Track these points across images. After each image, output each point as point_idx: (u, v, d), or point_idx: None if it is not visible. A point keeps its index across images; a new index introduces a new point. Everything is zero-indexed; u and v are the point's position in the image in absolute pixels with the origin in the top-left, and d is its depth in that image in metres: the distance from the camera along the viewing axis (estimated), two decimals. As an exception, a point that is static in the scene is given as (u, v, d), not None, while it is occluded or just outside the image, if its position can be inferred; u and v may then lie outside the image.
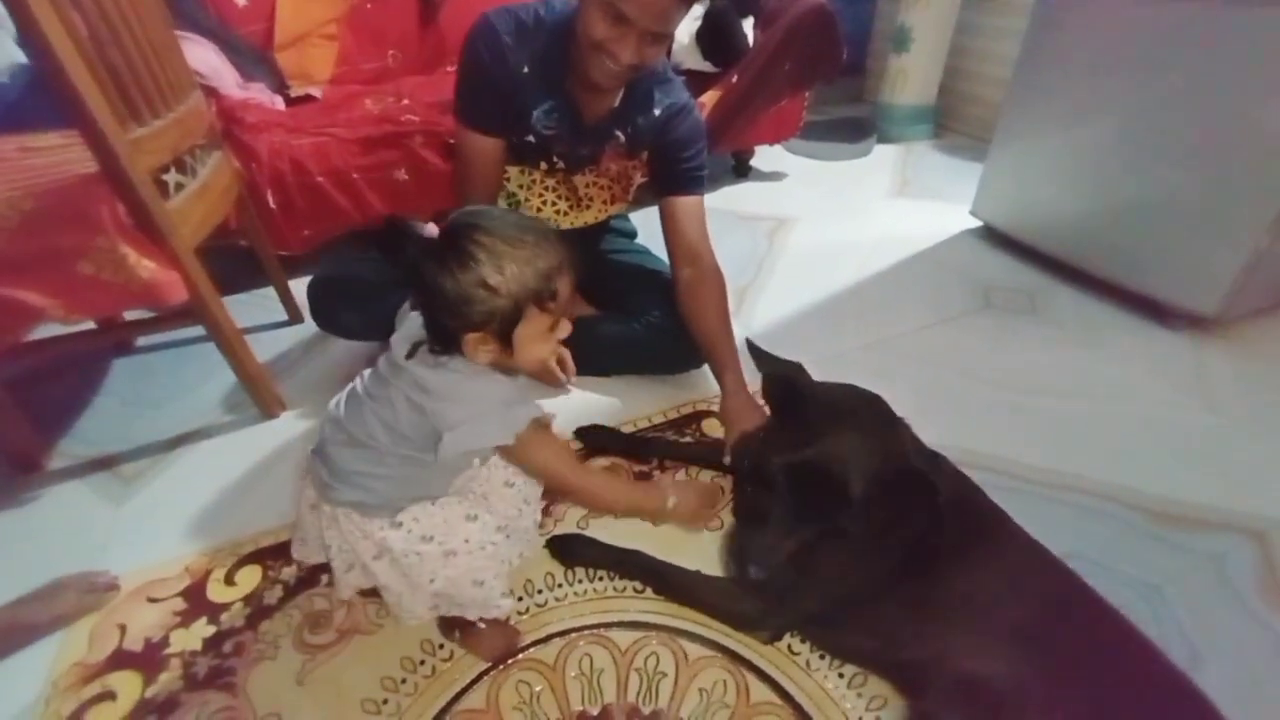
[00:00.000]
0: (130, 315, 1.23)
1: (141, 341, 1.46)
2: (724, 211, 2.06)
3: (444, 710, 0.78)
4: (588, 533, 0.98)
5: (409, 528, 0.74)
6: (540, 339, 0.70)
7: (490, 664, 0.82)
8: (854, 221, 2.03)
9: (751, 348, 0.93)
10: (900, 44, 2.58)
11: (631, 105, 1.11)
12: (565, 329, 0.73)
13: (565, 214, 1.25)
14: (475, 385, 0.70)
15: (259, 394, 1.20)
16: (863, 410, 0.83)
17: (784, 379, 0.84)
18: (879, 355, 1.40)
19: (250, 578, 0.94)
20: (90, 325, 1.19)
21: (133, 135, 0.92)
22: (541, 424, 0.76)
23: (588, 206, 1.26)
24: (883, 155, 2.57)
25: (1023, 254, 1.75)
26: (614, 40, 0.92)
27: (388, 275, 1.24)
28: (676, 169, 1.15)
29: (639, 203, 1.34)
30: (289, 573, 0.94)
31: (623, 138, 1.14)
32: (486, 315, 0.65)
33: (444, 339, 0.68)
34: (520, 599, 0.90)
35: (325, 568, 0.94)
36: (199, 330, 1.10)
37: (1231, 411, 1.22)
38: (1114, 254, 1.52)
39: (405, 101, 1.70)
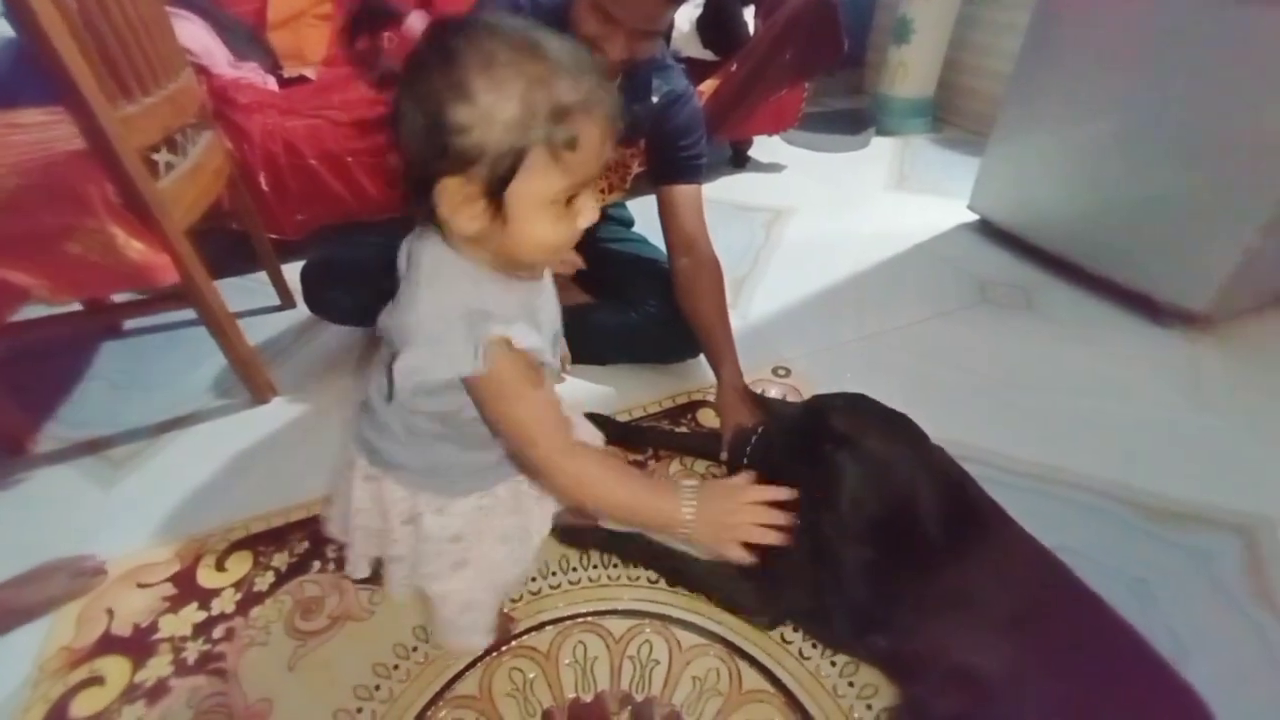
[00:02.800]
0: (119, 297, 1.21)
1: (131, 324, 1.44)
2: (721, 202, 2.05)
3: (436, 696, 0.78)
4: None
5: (445, 522, 0.64)
6: (547, 209, 0.49)
7: (484, 651, 0.82)
8: (851, 214, 2.02)
9: (761, 400, 0.96)
10: (901, 36, 2.56)
11: (629, 93, 1.09)
12: (590, 212, 0.52)
13: None
14: (440, 279, 0.51)
15: (251, 378, 1.18)
16: (899, 430, 0.82)
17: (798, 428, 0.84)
18: (875, 348, 1.40)
19: (241, 563, 0.93)
20: (77, 307, 1.17)
21: (122, 112, 0.90)
22: (514, 351, 0.53)
23: None
24: (881, 148, 2.56)
25: (1019, 249, 1.75)
26: (603, 38, 0.91)
27: (382, 260, 1.23)
28: (674, 157, 1.14)
29: (636, 191, 1.33)
30: (280, 559, 0.94)
31: (620, 125, 1.13)
32: (469, 149, 0.45)
33: (421, 196, 0.49)
34: (514, 587, 0.89)
35: (317, 554, 0.94)
36: (190, 314, 1.08)
37: (1222, 409, 1.23)
38: (1109, 251, 1.53)
39: (401, 84, 1.68)
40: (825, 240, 1.86)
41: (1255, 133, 1.23)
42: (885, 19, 2.85)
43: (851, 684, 0.79)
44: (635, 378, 1.28)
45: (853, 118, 2.68)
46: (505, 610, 0.85)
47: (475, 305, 0.52)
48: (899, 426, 0.82)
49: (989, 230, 1.85)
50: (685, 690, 0.78)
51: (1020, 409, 1.23)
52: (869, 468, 0.75)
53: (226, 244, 1.38)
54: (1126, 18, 1.39)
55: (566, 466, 0.58)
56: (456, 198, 0.47)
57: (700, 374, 1.26)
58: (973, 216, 1.88)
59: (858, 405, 0.85)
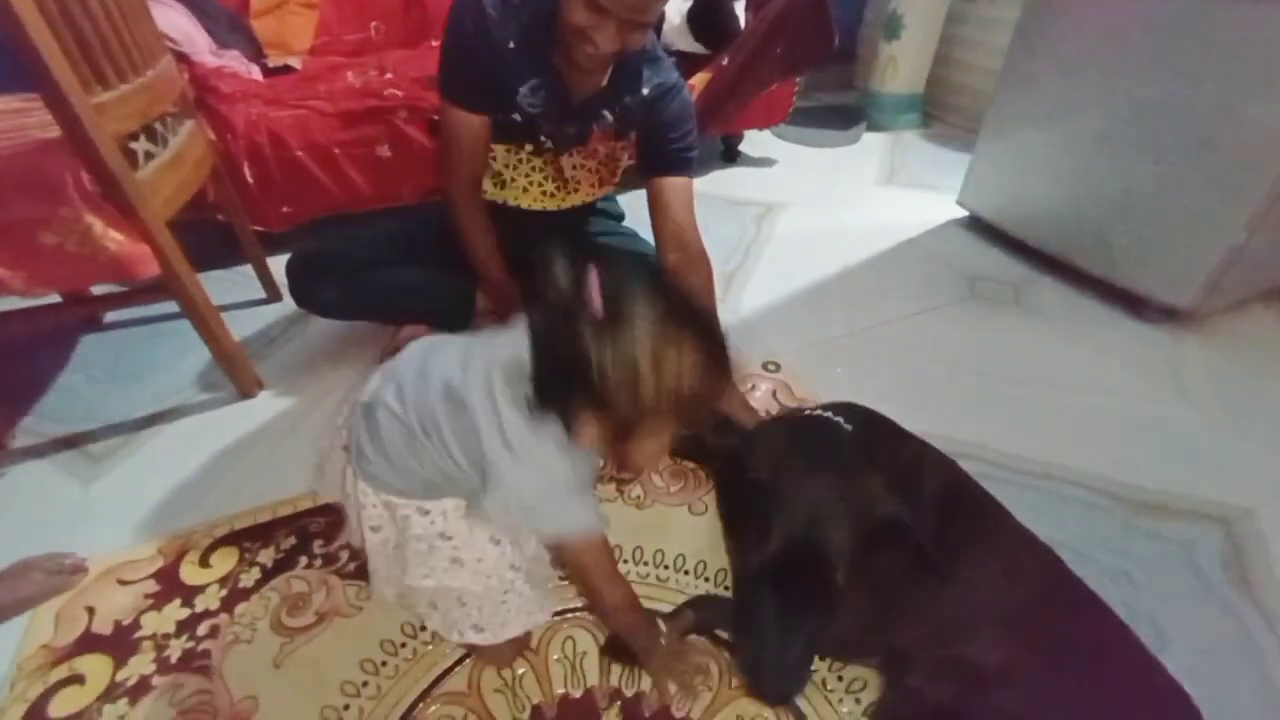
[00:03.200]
0: (98, 290, 1.19)
1: (111, 317, 1.41)
2: (712, 196, 2.04)
3: (425, 693, 0.77)
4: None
5: (434, 520, 0.66)
6: (656, 448, 0.60)
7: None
8: (842, 209, 2.03)
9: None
10: (891, 31, 2.56)
11: (620, 85, 1.08)
12: (669, 441, 0.62)
13: (552, 195, 1.22)
14: (548, 458, 0.59)
15: (235, 372, 1.17)
16: (822, 467, 0.78)
17: (729, 458, 0.82)
18: (864, 342, 1.40)
19: (226, 560, 0.92)
20: (55, 299, 1.15)
21: (98, 99, 0.87)
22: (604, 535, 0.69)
23: (575, 189, 1.24)
24: (871, 143, 2.57)
25: (1008, 245, 1.76)
26: (594, 28, 0.90)
27: (369, 253, 1.21)
28: (664, 149, 1.13)
29: (627, 185, 1.32)
30: (267, 555, 0.92)
31: (610, 118, 1.12)
32: (625, 404, 0.53)
33: (552, 398, 0.57)
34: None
35: (304, 550, 0.93)
36: (173, 306, 1.06)
37: (1203, 404, 1.24)
38: (1096, 247, 1.54)
39: (389, 75, 1.65)
40: (815, 235, 1.86)
41: (1239, 130, 1.24)
42: (876, 14, 2.85)
43: (840, 678, 0.79)
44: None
45: (843, 113, 2.68)
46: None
47: (569, 480, 0.62)
48: (825, 453, 0.81)
49: (978, 226, 1.85)
50: (675, 685, 0.78)
51: (1007, 403, 1.24)
52: (789, 516, 0.73)
53: (211, 236, 1.36)
54: (1115, 14, 1.39)
55: (606, 589, 0.73)
56: (591, 424, 0.57)
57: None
58: (962, 212, 1.89)
59: (782, 441, 0.83)
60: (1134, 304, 1.49)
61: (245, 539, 0.94)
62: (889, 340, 1.41)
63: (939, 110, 2.81)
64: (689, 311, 0.57)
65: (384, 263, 1.20)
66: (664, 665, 0.78)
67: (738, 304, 1.53)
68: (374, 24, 1.96)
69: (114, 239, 0.87)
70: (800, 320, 1.47)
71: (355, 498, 0.67)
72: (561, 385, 0.55)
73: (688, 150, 1.14)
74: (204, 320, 1.08)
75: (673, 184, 1.14)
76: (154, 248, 0.95)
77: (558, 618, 0.85)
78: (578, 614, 0.86)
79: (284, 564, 0.91)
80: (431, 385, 0.62)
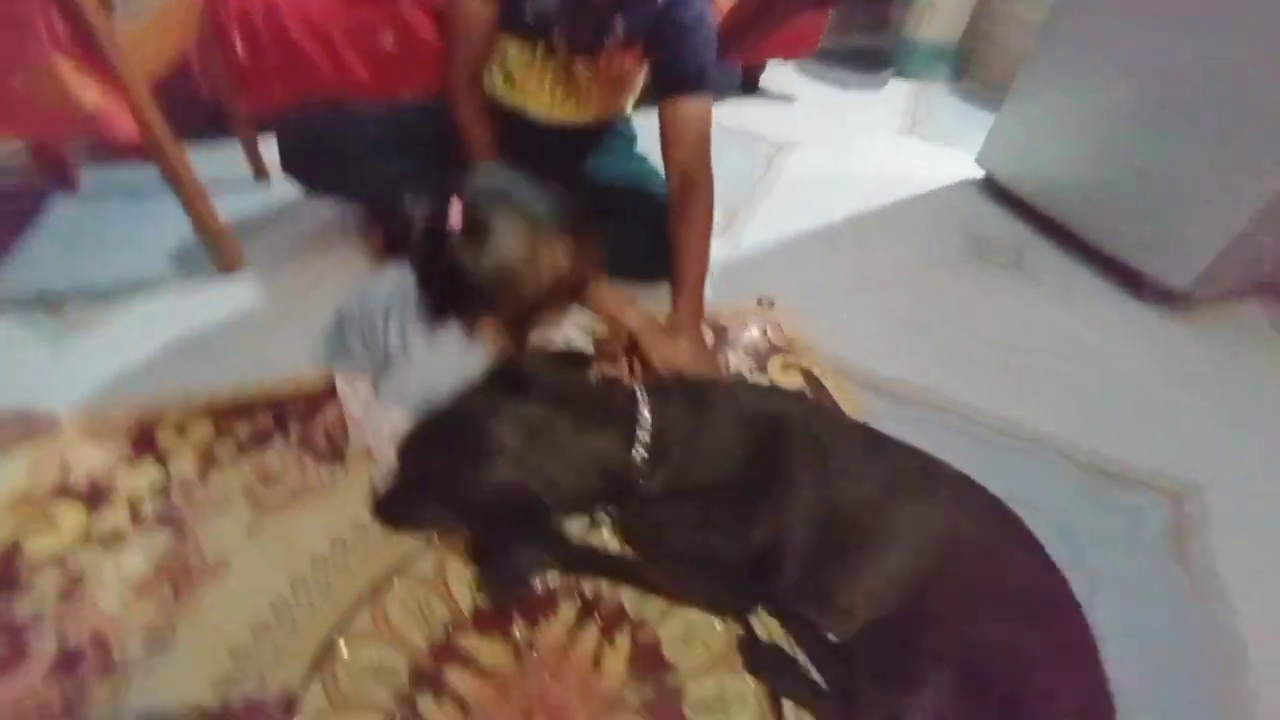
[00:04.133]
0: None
1: (88, 179, 1.36)
2: (726, 127, 1.97)
3: (391, 573, 0.80)
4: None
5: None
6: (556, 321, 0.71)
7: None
8: (856, 155, 1.97)
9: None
10: (934, -27, 2.42)
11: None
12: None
13: (562, 102, 1.17)
14: (446, 359, 0.69)
15: (219, 248, 1.14)
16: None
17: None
18: (862, 290, 1.39)
19: (202, 430, 0.92)
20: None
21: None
22: None
23: (586, 101, 1.18)
24: (896, 91, 2.47)
25: (1019, 209, 1.73)
26: None
27: (368, 136, 1.16)
28: (677, 62, 1.06)
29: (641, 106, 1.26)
30: (243, 429, 0.93)
31: (621, 29, 1.05)
32: (511, 301, 0.65)
33: (446, 311, 0.68)
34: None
35: (281, 429, 0.94)
36: (153, 177, 1.02)
37: (1180, 384, 1.26)
38: (1106, 220, 1.52)
39: (396, -46, 1.54)
40: (825, 178, 1.81)
41: (1269, 115, 1.20)
42: (921, -49, 2.68)
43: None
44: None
45: (872, 57, 2.56)
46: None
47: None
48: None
49: (992, 188, 1.82)
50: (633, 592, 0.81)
51: (993, 363, 1.25)
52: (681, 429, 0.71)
53: (198, 110, 1.30)
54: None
55: None
56: (489, 328, 0.72)
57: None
58: (979, 172, 1.84)
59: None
60: (1133, 281, 1.49)
61: (222, 415, 0.95)
62: (886, 291, 1.40)
63: (971, 65, 2.69)
64: (548, 208, 0.65)
65: (381, 150, 1.15)
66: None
67: (739, 240, 1.50)
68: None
69: (90, 94, 0.82)
70: (799, 262, 1.45)
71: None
72: (450, 299, 0.64)
73: (703, 67, 1.07)
74: (186, 190, 1.05)
75: (687, 105, 1.06)
76: (133, 107, 0.90)
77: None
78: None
79: (259, 439, 0.92)
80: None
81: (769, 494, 0.70)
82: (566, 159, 1.28)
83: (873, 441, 0.76)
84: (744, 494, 0.71)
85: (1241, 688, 0.80)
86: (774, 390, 1.04)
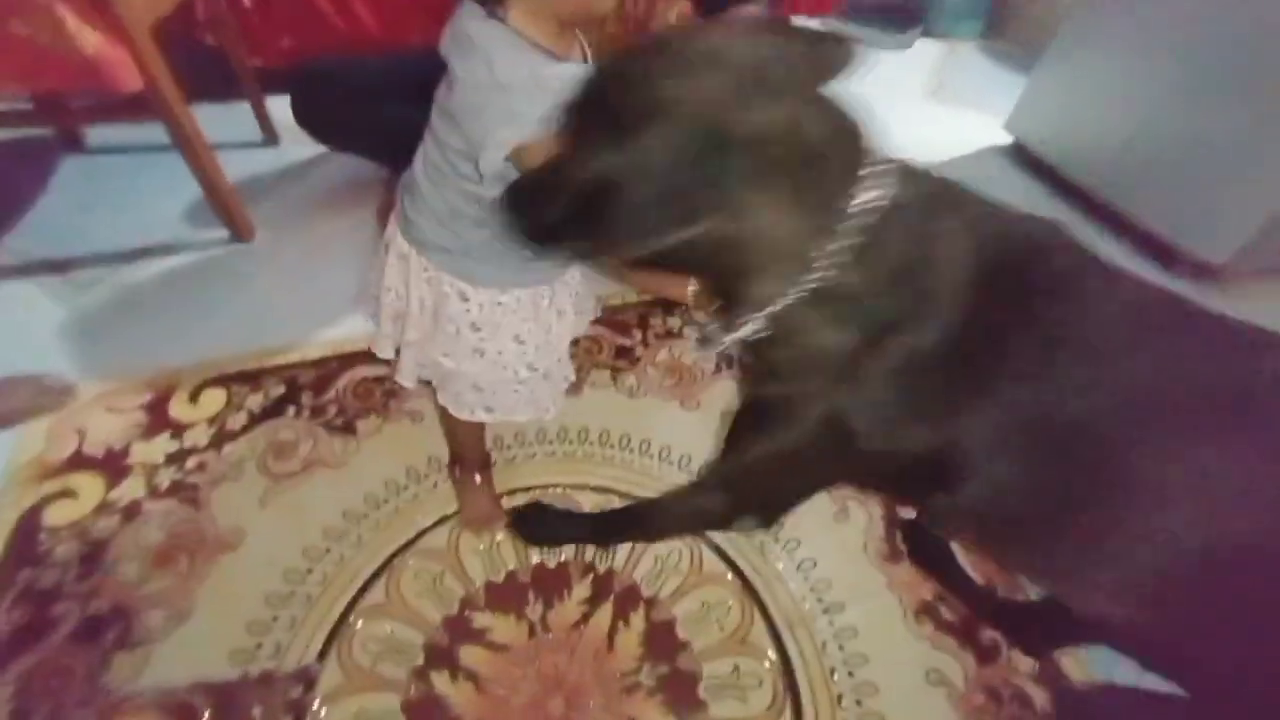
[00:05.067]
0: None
1: (95, 141, 1.33)
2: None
3: (404, 547, 0.80)
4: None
5: (470, 309, 0.66)
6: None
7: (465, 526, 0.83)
8: (878, 119, 1.89)
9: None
10: (971, -80, 2.27)
11: None
12: None
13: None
14: (505, 48, 0.53)
15: (228, 213, 1.11)
16: None
17: None
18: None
19: (215, 400, 0.92)
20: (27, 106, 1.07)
21: None
22: None
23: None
24: (924, 51, 2.35)
25: (1048, 179, 1.66)
26: None
27: (381, 84, 1.11)
28: None
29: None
30: (255, 400, 0.92)
31: None
32: None
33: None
34: (487, 452, 0.90)
35: (293, 399, 0.93)
36: (160, 136, 0.99)
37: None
38: (1140, 191, 1.45)
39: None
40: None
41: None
42: (957, -103, 2.52)
43: (808, 578, 0.82)
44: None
45: (901, 14, 2.43)
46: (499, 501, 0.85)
47: (539, 74, 0.53)
48: None
49: (1021, 155, 1.74)
50: (647, 566, 0.81)
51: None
52: None
53: (204, 66, 1.25)
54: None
55: None
56: None
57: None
58: (1007, 139, 1.76)
59: None
60: (1164, 254, 1.44)
61: (234, 383, 0.94)
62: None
63: (1004, 21, 2.55)
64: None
65: (396, 96, 1.10)
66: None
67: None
68: None
69: (89, 38, 0.79)
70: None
71: (399, 288, 0.68)
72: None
73: None
74: (194, 151, 1.01)
75: (744, 13, 0.95)
76: (134, 53, 0.86)
77: (539, 490, 0.87)
78: (561, 488, 0.87)
79: (272, 411, 0.91)
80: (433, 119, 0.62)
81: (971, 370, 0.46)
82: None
83: (1174, 321, 0.50)
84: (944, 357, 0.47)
85: None
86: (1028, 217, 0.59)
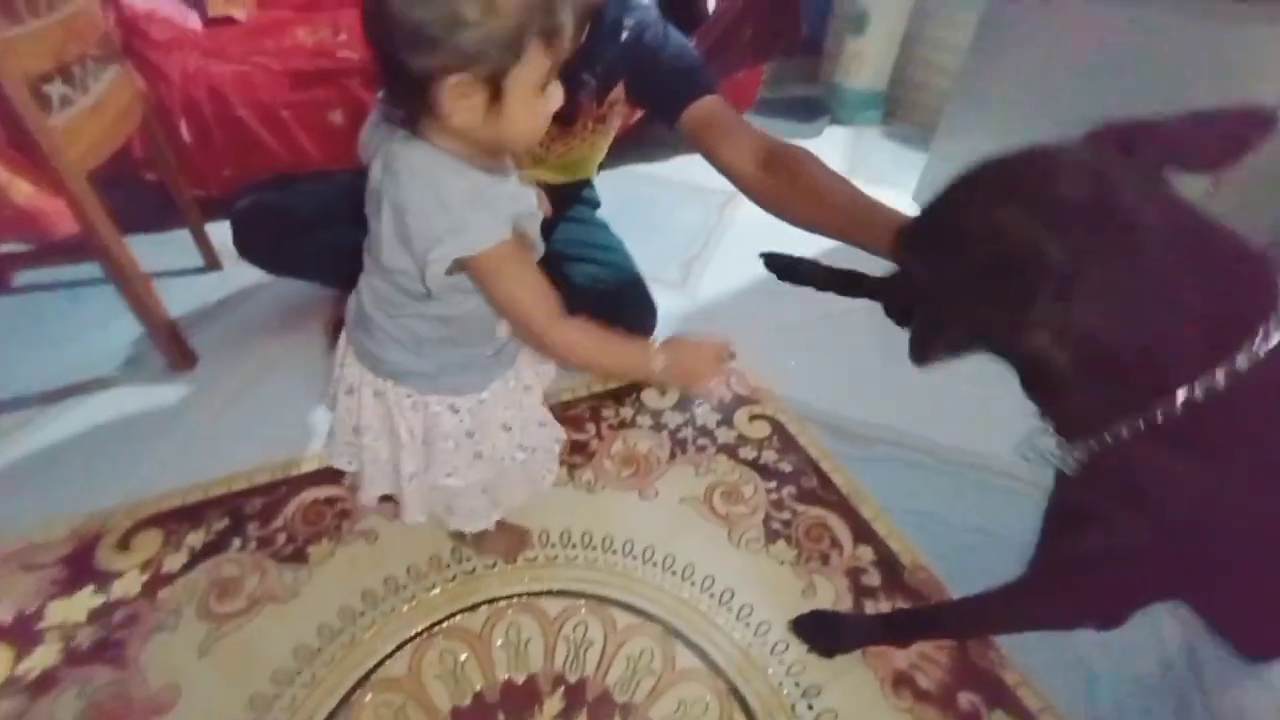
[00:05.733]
0: (7, 249, 1.09)
1: (24, 279, 1.30)
2: (675, 182, 2.03)
3: (362, 680, 0.75)
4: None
5: (463, 417, 0.67)
6: (535, 97, 0.54)
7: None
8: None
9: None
10: (858, 26, 2.58)
11: (598, 40, 0.94)
12: (556, 96, 0.56)
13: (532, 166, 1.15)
14: (438, 171, 0.54)
15: (167, 344, 1.09)
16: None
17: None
18: (817, 331, 1.42)
19: (149, 542, 0.86)
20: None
21: (4, 35, 0.79)
22: (526, 238, 0.61)
23: (565, 163, 1.18)
24: (833, 137, 2.59)
25: (958, 244, 1.81)
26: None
27: (322, 209, 1.13)
28: (672, 71, 0.95)
29: (613, 163, 1.29)
30: (196, 537, 0.88)
31: (592, 80, 1.00)
32: (479, 43, 0.47)
33: (411, 95, 0.51)
34: (446, 566, 0.87)
35: (238, 531, 0.89)
36: (96, 269, 0.98)
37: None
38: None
39: (343, 36, 1.57)
40: (776, 224, 1.85)
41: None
42: (844, 8, 2.87)
43: (783, 662, 0.81)
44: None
45: (808, 105, 2.70)
46: (438, 591, 0.83)
47: (478, 190, 0.55)
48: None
49: (932, 224, 1.90)
50: (619, 670, 0.78)
51: (946, 395, 1.27)
52: None
53: (143, 197, 1.27)
54: (1078, 24, 1.43)
55: (557, 336, 0.63)
56: (458, 93, 0.49)
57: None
58: (915, 209, 1.93)
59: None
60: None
61: (172, 520, 0.89)
62: (843, 330, 1.43)
63: (901, 108, 2.85)
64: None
65: (338, 220, 1.12)
66: (684, 377, 0.72)
67: (697, 289, 1.52)
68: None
69: (22, 190, 0.80)
70: (758, 308, 1.48)
71: (378, 425, 0.68)
72: (410, 74, 0.49)
73: (697, 66, 0.97)
74: (130, 284, 1.01)
75: (704, 104, 0.93)
76: (70, 201, 0.87)
77: (502, 602, 0.84)
78: (522, 599, 0.85)
79: (215, 546, 0.87)
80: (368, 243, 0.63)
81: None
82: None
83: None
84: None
85: None
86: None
